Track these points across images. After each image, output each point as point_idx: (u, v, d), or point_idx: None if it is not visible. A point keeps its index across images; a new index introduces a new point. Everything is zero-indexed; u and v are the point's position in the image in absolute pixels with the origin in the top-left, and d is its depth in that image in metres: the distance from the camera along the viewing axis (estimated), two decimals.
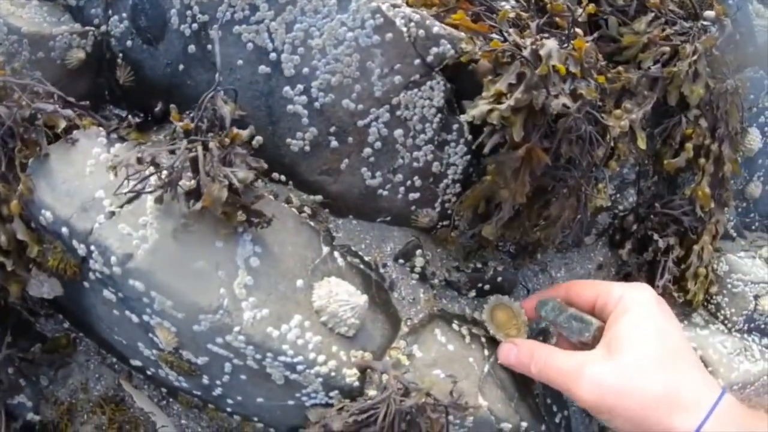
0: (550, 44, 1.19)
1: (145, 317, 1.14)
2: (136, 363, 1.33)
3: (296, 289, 1.16)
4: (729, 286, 2.00)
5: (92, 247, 1.10)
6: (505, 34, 1.24)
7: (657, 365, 1.06)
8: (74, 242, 1.13)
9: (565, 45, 1.24)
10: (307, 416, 1.22)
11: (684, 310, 1.91)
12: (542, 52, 1.18)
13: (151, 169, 1.12)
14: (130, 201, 1.15)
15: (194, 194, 1.12)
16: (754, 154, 2.10)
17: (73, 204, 1.14)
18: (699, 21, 1.63)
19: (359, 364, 1.17)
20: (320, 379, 1.15)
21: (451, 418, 1.26)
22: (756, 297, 2.04)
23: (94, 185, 1.16)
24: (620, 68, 1.52)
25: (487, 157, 1.28)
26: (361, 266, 1.32)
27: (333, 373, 1.15)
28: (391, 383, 1.10)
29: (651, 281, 1.77)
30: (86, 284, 1.20)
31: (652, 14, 1.55)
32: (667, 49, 1.55)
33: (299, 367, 1.13)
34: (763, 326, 2.10)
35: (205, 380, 1.24)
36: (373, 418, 1.09)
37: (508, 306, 1.46)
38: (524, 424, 1.43)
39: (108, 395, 1.41)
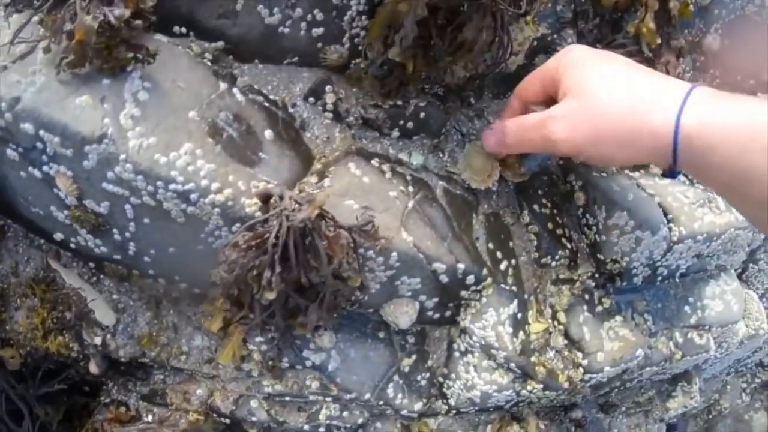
0: None
1: (45, 168, 1.31)
2: (59, 236, 1.51)
3: (188, 120, 1.30)
4: None
5: None
6: None
7: (620, 77, 1.17)
8: None
9: None
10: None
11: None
12: None
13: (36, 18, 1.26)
14: (23, 57, 1.29)
15: (71, 30, 1.25)
16: (709, 2, 2.07)
17: None
18: None
19: (259, 192, 1.29)
20: (217, 210, 1.29)
21: (371, 254, 1.39)
22: None
23: None
24: None
25: None
26: (266, 104, 1.44)
27: (230, 203, 1.29)
28: (286, 202, 1.22)
29: None
30: None
31: None
32: None
33: (192, 196, 1.27)
34: None
35: (116, 235, 1.41)
36: (266, 243, 1.21)
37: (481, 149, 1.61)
38: (461, 266, 1.53)
39: (38, 276, 1.61)
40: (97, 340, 1.63)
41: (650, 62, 1.86)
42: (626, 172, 1.90)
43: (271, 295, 1.22)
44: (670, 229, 1.89)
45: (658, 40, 1.80)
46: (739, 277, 2.81)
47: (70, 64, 1.30)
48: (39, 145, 1.30)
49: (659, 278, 2.09)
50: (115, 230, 1.41)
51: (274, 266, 1.21)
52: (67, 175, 1.31)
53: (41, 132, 1.26)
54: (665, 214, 1.89)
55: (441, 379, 1.76)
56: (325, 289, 1.36)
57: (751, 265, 2.78)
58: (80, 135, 1.24)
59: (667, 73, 1.90)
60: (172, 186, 1.27)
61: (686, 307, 2.20)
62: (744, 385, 3.52)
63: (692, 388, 2.51)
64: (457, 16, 1.47)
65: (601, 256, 1.82)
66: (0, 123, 1.30)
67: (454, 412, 1.79)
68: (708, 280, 2.29)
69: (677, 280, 2.20)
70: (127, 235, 1.41)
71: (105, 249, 1.50)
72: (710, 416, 3.43)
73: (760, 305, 2.72)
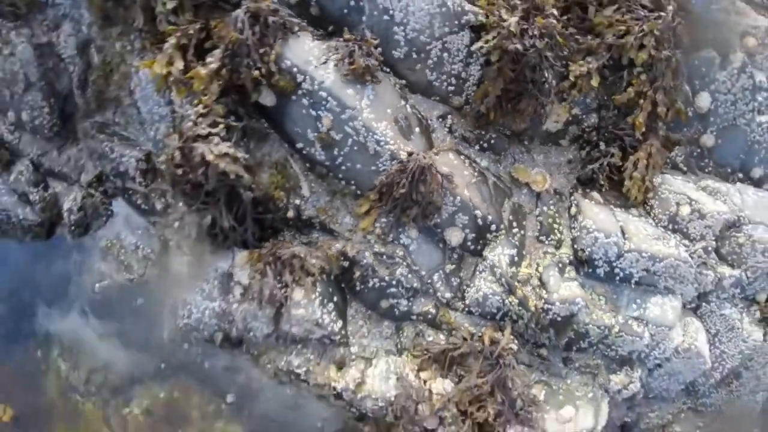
0: (511, 19, 2.96)
1: (320, 112, 3.17)
2: (299, 145, 3.36)
3: (387, 113, 3.15)
4: (659, 193, 3.75)
5: (306, 77, 3.17)
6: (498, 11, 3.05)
7: None
8: (298, 75, 3.19)
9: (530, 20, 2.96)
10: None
11: (626, 202, 3.51)
12: (506, 23, 2.92)
13: (334, 52, 3.09)
14: (324, 63, 3.12)
15: (352, 61, 3.06)
16: (705, 112, 3.53)
17: (300, 58, 3.18)
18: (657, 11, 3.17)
19: (408, 150, 2.98)
20: (389, 152, 3.06)
21: (447, 194, 3.00)
22: (677, 204, 3.43)
23: (307, 54, 3.20)
24: (589, 37, 3.16)
25: (484, 69, 3.04)
26: (418, 115, 3.26)
27: (396, 150, 3.04)
28: (419, 156, 2.88)
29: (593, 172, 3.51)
30: (294, 97, 3.25)
31: (616, 5, 3.18)
32: (623, 27, 3.14)
33: (381, 142, 3.07)
34: (684, 230, 3.49)
35: (335, 151, 3.20)
36: (406, 169, 2.88)
37: (524, 168, 3.38)
38: (490, 217, 3.13)
39: (280, 161, 3.40)
40: (297, 202, 3.45)
41: (640, 142, 3.34)
42: (610, 206, 3.36)
43: (402, 191, 2.88)
44: (624, 242, 3.28)
45: (643, 129, 3.28)
46: (695, 311, 4.01)
47: (347, 75, 3.10)
48: (324, 102, 3.17)
49: (617, 278, 3.52)
50: (336, 148, 3.25)
51: (407, 179, 2.87)
52: (329, 117, 3.16)
53: (329, 97, 3.17)
54: (623, 232, 3.33)
55: (465, 287, 3.30)
56: (423, 201, 2.99)
57: (704, 304, 4.00)
58: (347, 105, 3.19)
59: (649, 155, 3.35)
60: (375, 136, 3.19)
61: (633, 305, 3.61)
62: (701, 424, 4.44)
63: (634, 374, 3.78)
64: (518, 95, 3.14)
65: (575, 246, 3.30)
66: (309, 87, 3.28)
67: (466, 311, 3.30)
68: (656, 293, 3.70)
69: (632, 285, 3.59)
70: (341, 152, 3.26)
71: (323, 157, 3.34)
72: None
73: (700, 328, 3.95)
